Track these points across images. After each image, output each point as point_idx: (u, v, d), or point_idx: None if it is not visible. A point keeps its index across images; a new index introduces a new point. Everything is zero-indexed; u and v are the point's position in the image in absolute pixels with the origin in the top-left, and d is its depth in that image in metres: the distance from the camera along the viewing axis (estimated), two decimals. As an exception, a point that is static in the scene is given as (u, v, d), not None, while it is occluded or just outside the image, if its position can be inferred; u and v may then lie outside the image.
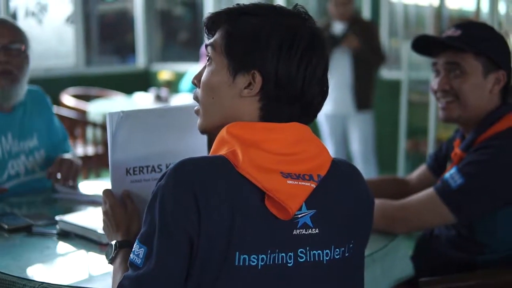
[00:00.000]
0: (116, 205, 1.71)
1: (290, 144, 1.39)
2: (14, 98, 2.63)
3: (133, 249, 1.38)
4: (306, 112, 1.44)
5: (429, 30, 7.52)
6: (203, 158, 1.38)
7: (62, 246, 2.04)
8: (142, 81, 8.39)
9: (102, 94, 6.98)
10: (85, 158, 5.14)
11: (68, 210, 2.38)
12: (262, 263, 1.34)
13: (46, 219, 2.23)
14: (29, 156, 2.71)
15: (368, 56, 5.21)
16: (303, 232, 1.37)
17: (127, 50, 9.21)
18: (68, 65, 7.38)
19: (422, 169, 2.58)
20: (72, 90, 6.67)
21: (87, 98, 6.67)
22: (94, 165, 5.45)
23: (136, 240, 1.38)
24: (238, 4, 1.48)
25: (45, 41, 6.94)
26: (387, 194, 2.36)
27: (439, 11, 7.84)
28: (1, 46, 2.55)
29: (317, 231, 1.38)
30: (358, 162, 5.61)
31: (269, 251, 1.34)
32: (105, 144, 5.40)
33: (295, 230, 1.36)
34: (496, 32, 2.26)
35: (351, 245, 1.43)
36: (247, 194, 1.34)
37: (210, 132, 1.51)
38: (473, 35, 2.19)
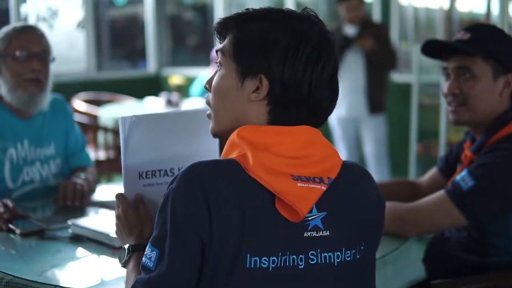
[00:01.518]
0: (129, 208, 1.71)
1: (300, 147, 1.40)
2: (39, 106, 2.65)
3: (145, 253, 1.38)
4: (315, 115, 1.45)
5: (440, 33, 7.51)
6: (214, 161, 1.39)
7: (75, 250, 2.05)
8: (153, 85, 8.41)
9: (113, 99, 7.00)
10: (97, 163, 5.15)
11: (80, 214, 2.40)
12: (273, 265, 1.34)
13: (59, 223, 2.25)
14: (44, 164, 2.72)
15: (381, 59, 5.21)
16: (314, 235, 1.38)
17: (137, 55, 9.25)
18: (79, 70, 7.41)
19: (433, 172, 2.58)
20: (83, 95, 6.69)
21: (98, 103, 6.69)
22: (106, 169, 5.46)
23: (148, 243, 1.39)
24: (247, 9, 1.49)
25: (56, 46, 6.96)
26: (399, 197, 2.36)
27: (450, 14, 7.83)
28: (36, 54, 2.57)
29: (328, 233, 1.39)
30: (371, 165, 5.62)
31: (280, 253, 1.35)
32: (116, 148, 5.42)
33: (306, 233, 1.37)
34: (506, 35, 2.26)
35: (362, 247, 1.43)
36: (257, 196, 1.34)
37: (222, 136, 1.51)
38: (482, 38, 2.19)
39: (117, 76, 8.32)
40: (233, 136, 1.43)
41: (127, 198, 1.74)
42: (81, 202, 2.51)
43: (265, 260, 1.34)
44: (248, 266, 1.33)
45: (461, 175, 2.11)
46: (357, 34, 5.35)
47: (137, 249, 1.61)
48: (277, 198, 1.35)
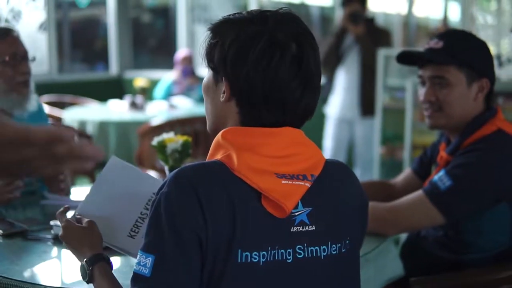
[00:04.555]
0: (71, 222, 1.71)
1: (283, 147, 1.45)
2: (29, 107, 2.63)
3: (137, 261, 1.38)
4: (289, 113, 1.47)
5: (398, 37, 7.63)
6: (200, 164, 1.44)
7: (59, 251, 2.05)
8: (115, 88, 8.36)
9: (76, 101, 6.95)
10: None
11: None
12: (263, 260, 1.39)
13: (40, 224, 2.24)
14: None
15: (374, 61, 5.28)
16: (300, 229, 1.43)
17: (95, 57, 9.18)
18: (41, 72, 7.35)
19: (407, 173, 2.65)
20: (47, 97, 6.63)
21: (61, 105, 6.63)
22: (71, 172, 5.42)
23: (140, 251, 1.39)
24: (227, 15, 1.54)
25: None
26: (375, 197, 2.41)
27: (407, 19, 7.96)
28: (21, 57, 2.56)
29: (313, 228, 1.44)
30: (359, 167, 5.71)
31: (269, 248, 1.40)
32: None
33: (293, 228, 1.42)
34: (478, 40, 2.32)
35: (347, 241, 1.49)
36: (244, 195, 1.39)
37: (214, 134, 1.55)
38: (455, 46, 2.24)
39: (79, 79, 8.26)
40: (218, 137, 1.47)
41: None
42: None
43: (255, 254, 1.38)
44: (239, 261, 1.37)
45: (439, 175, 2.18)
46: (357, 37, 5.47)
47: (97, 260, 1.60)
48: (263, 196, 1.39)
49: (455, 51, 2.23)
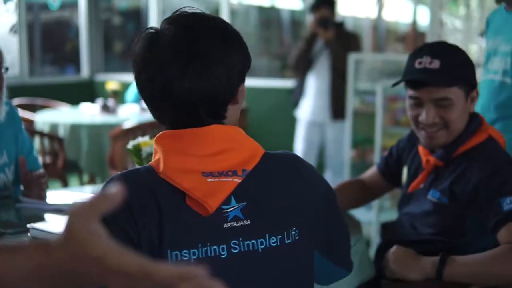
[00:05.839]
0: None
1: (212, 146, 1.48)
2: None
3: None
4: (178, 107, 1.49)
5: (367, 41, 7.71)
6: (130, 170, 1.52)
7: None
8: (86, 91, 8.34)
9: (48, 104, 6.93)
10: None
11: (34, 218, 2.38)
12: (194, 257, 1.43)
13: (16, 227, 2.26)
14: (0, 174, 2.67)
15: (343, 65, 5.35)
16: (234, 225, 1.46)
17: (65, 60, 9.14)
18: (13, 75, 7.31)
19: (373, 171, 2.69)
20: (18, 100, 6.61)
21: (32, 108, 6.61)
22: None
23: None
24: None
25: (-11, 51, 6.86)
26: (356, 195, 2.58)
27: (376, 23, 8.05)
28: None
29: (248, 222, 1.47)
30: (330, 169, 5.77)
31: (200, 245, 1.43)
32: (52, 154, 5.39)
33: (226, 224, 1.45)
34: (462, 50, 2.33)
35: (293, 232, 1.51)
36: (170, 196, 1.44)
37: None
38: (451, 64, 2.23)
39: (50, 81, 8.21)
40: (154, 142, 1.54)
41: None
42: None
43: (185, 253, 1.43)
44: (170, 260, 1.42)
45: (504, 201, 2.13)
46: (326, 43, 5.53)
47: None
48: (187, 196, 1.44)
49: (454, 70, 2.23)
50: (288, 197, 1.53)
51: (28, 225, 2.16)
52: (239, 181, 1.46)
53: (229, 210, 1.46)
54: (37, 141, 5.37)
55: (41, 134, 5.39)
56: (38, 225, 2.17)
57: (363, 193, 2.66)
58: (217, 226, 1.45)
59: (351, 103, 5.18)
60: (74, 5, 8.66)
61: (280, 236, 1.49)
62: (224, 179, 1.45)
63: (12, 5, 7.03)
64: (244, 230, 1.47)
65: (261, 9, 9.91)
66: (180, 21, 1.49)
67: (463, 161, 2.26)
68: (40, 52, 8.80)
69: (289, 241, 1.50)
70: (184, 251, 1.43)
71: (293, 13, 9.73)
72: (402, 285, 2.16)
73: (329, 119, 5.64)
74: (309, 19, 5.73)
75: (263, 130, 7.33)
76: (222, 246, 1.45)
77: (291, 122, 6.20)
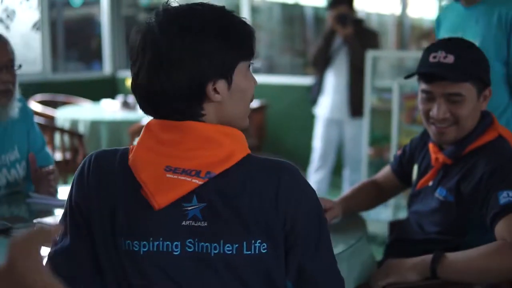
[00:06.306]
0: None
1: (184, 142, 1.46)
2: (10, 115, 2.64)
3: None
4: (146, 100, 1.52)
5: (391, 38, 7.67)
6: (109, 150, 1.57)
7: (44, 249, 2.08)
8: (109, 87, 8.39)
9: (69, 100, 6.98)
10: (53, 164, 5.15)
11: (43, 213, 2.43)
12: (144, 249, 1.45)
13: (24, 222, 2.29)
14: (11, 169, 2.70)
15: (361, 62, 5.32)
16: (192, 224, 1.45)
17: (91, 56, 9.20)
18: (35, 71, 7.39)
19: (386, 170, 2.67)
20: (40, 96, 6.67)
21: (54, 104, 6.67)
22: (62, 171, 5.46)
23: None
24: None
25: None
26: (369, 197, 2.59)
27: (401, 19, 8.00)
28: (3, 65, 2.53)
29: (205, 224, 1.45)
30: (348, 167, 5.76)
31: (151, 239, 1.45)
32: (72, 150, 5.44)
33: (184, 221, 1.45)
34: (477, 47, 2.33)
35: (257, 244, 1.45)
36: (129, 184, 1.46)
37: None
38: (466, 60, 2.23)
39: (72, 78, 8.29)
40: None
41: None
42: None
43: (136, 244, 1.45)
44: (123, 248, 1.45)
45: (502, 196, 2.11)
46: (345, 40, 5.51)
47: None
48: (141, 188, 1.44)
49: (468, 66, 2.22)
50: (257, 207, 1.45)
51: (35, 220, 2.20)
52: (200, 183, 1.42)
53: (189, 208, 1.45)
54: (57, 137, 5.43)
55: (62, 131, 5.44)
56: (45, 220, 2.20)
57: (377, 194, 2.66)
58: (175, 222, 1.45)
59: (369, 100, 5.16)
60: (97, 2, 8.72)
61: (237, 245, 1.44)
62: (183, 178, 1.42)
63: (34, 2, 7.10)
64: (200, 231, 1.45)
65: (284, 6, 9.89)
66: (157, 15, 1.50)
67: (471, 159, 2.26)
68: (64, 49, 8.88)
69: (249, 252, 1.45)
70: (135, 241, 1.44)
71: (316, 10, 9.70)
72: (403, 285, 2.15)
73: (348, 116, 5.61)
74: (328, 15, 5.72)
75: (282, 127, 7.33)
76: (176, 243, 1.44)
77: (310, 120, 6.19)
